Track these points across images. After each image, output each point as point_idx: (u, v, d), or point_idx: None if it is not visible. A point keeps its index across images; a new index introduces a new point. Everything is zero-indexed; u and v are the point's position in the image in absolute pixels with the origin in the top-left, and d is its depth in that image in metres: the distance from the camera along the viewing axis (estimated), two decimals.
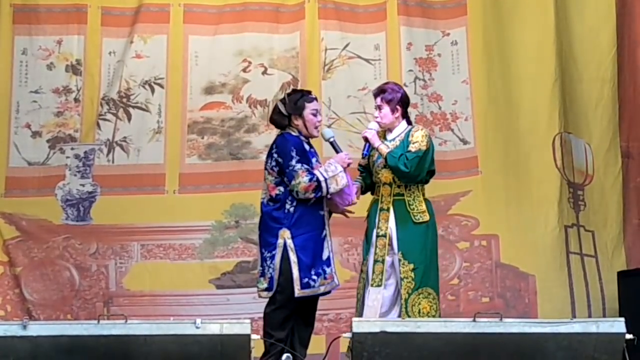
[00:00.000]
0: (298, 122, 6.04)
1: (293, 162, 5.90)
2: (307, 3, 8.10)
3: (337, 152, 6.08)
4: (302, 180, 5.86)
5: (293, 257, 5.90)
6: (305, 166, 5.90)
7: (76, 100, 7.98)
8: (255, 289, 6.07)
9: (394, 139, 6.07)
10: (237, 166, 7.90)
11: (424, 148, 5.96)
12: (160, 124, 8.01)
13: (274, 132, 6.29)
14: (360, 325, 5.01)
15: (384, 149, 5.99)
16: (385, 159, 5.96)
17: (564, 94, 7.97)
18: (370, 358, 4.97)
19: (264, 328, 5.85)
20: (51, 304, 7.67)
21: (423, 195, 6.05)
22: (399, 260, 5.91)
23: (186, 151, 8.01)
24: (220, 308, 7.60)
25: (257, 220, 6.18)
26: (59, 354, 4.85)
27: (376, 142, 6.03)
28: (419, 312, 5.84)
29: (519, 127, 7.95)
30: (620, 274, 7.41)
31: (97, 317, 5.26)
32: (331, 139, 6.14)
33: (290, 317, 5.89)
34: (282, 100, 6.12)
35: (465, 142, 8.03)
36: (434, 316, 5.86)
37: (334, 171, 5.95)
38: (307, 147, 6.04)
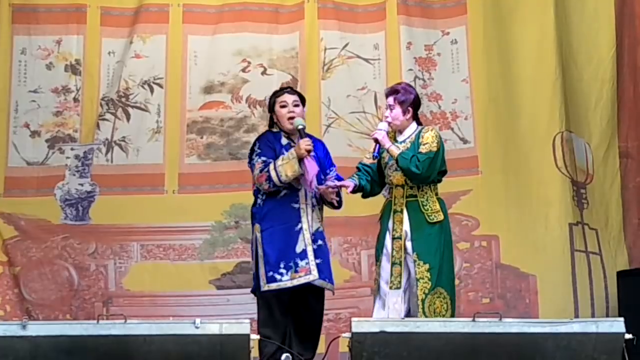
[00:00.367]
0: (275, 118, 6.16)
1: (254, 156, 6.03)
2: (307, 3, 8.10)
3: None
4: (256, 172, 5.97)
5: (260, 251, 5.95)
6: (263, 158, 5.97)
7: (75, 100, 7.98)
8: None
9: (404, 141, 6.05)
10: (237, 166, 7.89)
11: (434, 149, 5.95)
12: (159, 123, 8.01)
13: None
14: (360, 325, 5.00)
15: (395, 150, 5.97)
16: (397, 160, 5.94)
17: (565, 93, 7.97)
18: (369, 358, 4.96)
19: (258, 327, 5.87)
20: (50, 304, 7.66)
21: (436, 194, 6.04)
22: (414, 261, 5.91)
23: (185, 151, 8.01)
24: (220, 308, 7.60)
25: None
26: (58, 354, 4.84)
27: (387, 143, 6.00)
28: (434, 311, 5.85)
29: (519, 127, 7.94)
30: (620, 274, 7.41)
31: (96, 317, 5.27)
32: (299, 127, 6.09)
33: (272, 315, 5.86)
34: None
35: (465, 141, 8.03)
36: (444, 316, 5.86)
37: (288, 158, 5.94)
38: (285, 141, 6.09)
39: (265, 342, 5.72)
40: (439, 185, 6.10)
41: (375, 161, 6.14)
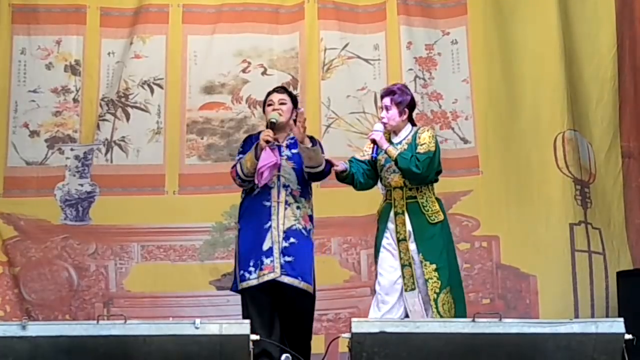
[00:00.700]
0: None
1: (237, 155, 6.09)
2: (307, 3, 8.10)
3: None
4: (231, 169, 6.04)
5: (235, 250, 6.01)
6: (240, 156, 6.03)
7: (75, 100, 7.98)
8: None
9: (400, 142, 6.05)
10: None
11: (433, 149, 5.96)
12: (159, 124, 8.01)
13: None
14: (360, 326, 4.99)
15: (393, 151, 5.96)
16: (396, 161, 5.93)
17: (566, 93, 7.96)
18: (369, 358, 4.95)
19: None
20: (49, 304, 7.66)
21: (434, 194, 6.05)
22: (421, 262, 5.92)
23: (186, 152, 8.01)
24: (220, 309, 7.59)
25: None
26: (58, 355, 4.83)
27: (384, 144, 5.99)
28: (449, 310, 5.88)
29: (520, 127, 7.94)
30: (620, 274, 7.40)
31: (95, 317, 5.27)
32: (271, 120, 6.09)
33: (250, 314, 5.85)
34: None
35: (465, 141, 8.03)
36: (451, 315, 5.88)
37: (251, 152, 5.98)
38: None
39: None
40: (436, 184, 6.10)
41: (369, 158, 6.10)
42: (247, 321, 4.98)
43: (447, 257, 5.97)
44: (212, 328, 4.89)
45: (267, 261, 5.92)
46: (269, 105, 6.18)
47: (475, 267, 7.85)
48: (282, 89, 6.36)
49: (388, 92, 6.11)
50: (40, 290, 7.68)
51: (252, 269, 5.93)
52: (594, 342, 5.00)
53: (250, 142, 6.13)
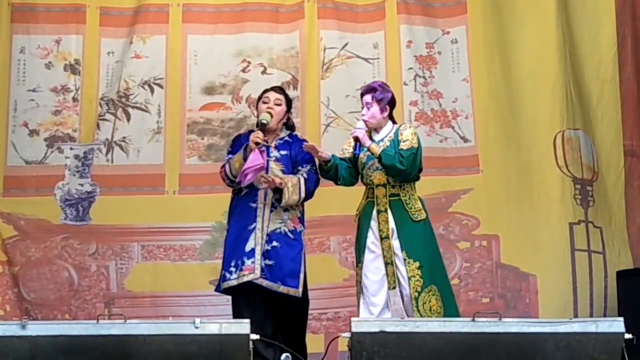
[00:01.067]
0: (257, 114, 6.21)
1: (226, 155, 6.06)
2: (307, 3, 8.10)
3: None
4: (221, 169, 6.02)
5: (223, 250, 5.98)
6: (230, 156, 6.01)
7: (74, 99, 7.98)
8: None
9: (382, 140, 6.04)
10: None
11: (415, 145, 5.96)
12: (159, 124, 8.01)
13: None
14: (359, 325, 4.99)
15: (376, 148, 5.95)
16: (379, 158, 5.92)
17: (570, 91, 7.96)
18: (369, 358, 4.95)
19: None
20: (49, 304, 7.66)
21: (416, 192, 6.05)
22: (404, 259, 5.90)
23: (186, 152, 8.00)
24: (220, 309, 7.58)
25: None
26: (58, 354, 4.83)
27: (367, 141, 5.99)
28: (430, 309, 5.85)
29: (520, 126, 7.94)
30: (620, 274, 7.39)
31: (96, 317, 5.26)
32: (262, 121, 6.08)
33: (235, 315, 5.86)
34: None
35: (465, 139, 8.03)
36: (439, 313, 5.86)
37: (240, 152, 5.97)
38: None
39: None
40: (417, 183, 6.09)
41: (350, 155, 6.11)
42: (247, 320, 4.97)
43: (431, 255, 5.95)
44: (212, 327, 4.89)
45: (248, 262, 5.91)
46: (264, 102, 6.17)
47: (475, 266, 7.85)
48: (279, 89, 6.36)
49: (369, 90, 6.11)
50: (40, 289, 7.68)
51: (232, 269, 5.94)
52: (593, 342, 5.00)
53: (239, 142, 6.12)
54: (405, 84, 7.98)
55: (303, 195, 6.01)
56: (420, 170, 6.09)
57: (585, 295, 7.70)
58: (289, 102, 6.26)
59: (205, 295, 7.69)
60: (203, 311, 7.43)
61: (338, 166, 6.08)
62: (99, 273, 7.78)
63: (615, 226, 7.93)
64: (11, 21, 7.99)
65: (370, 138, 6.06)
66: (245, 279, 5.90)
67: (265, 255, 5.95)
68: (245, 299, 5.94)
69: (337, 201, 7.34)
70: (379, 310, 5.93)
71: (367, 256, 6.00)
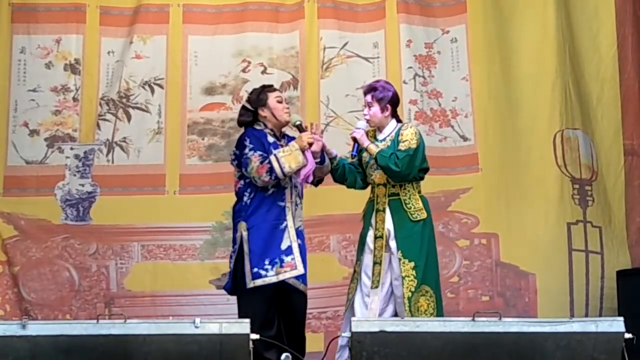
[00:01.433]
0: (265, 114, 6.12)
1: (247, 151, 5.96)
2: (307, 2, 8.10)
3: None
4: (254, 165, 5.89)
5: (246, 249, 5.92)
6: (259, 152, 5.92)
7: (74, 99, 7.98)
8: None
9: (384, 139, 6.04)
10: None
11: (414, 146, 5.93)
12: (160, 124, 8.01)
13: None
14: (360, 325, 5.00)
15: (374, 149, 5.96)
16: (376, 159, 5.93)
17: (569, 91, 7.96)
18: (369, 358, 4.96)
19: None
20: (49, 304, 7.66)
21: (419, 192, 6.03)
22: (399, 259, 5.89)
23: (186, 152, 8.00)
24: (220, 308, 7.59)
25: None
26: (58, 354, 4.83)
27: (365, 142, 6.00)
28: (418, 309, 5.84)
29: (519, 125, 7.95)
30: (620, 273, 7.40)
31: (96, 317, 5.26)
32: (297, 123, 6.11)
33: (255, 313, 5.84)
34: (247, 100, 6.24)
35: (465, 138, 8.04)
36: (431, 314, 5.85)
37: (290, 150, 5.95)
38: (271, 139, 6.07)
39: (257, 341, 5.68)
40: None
41: (355, 159, 6.12)
42: (247, 320, 4.97)
43: (427, 257, 5.92)
44: (212, 327, 4.89)
45: (287, 259, 5.92)
46: (280, 102, 6.16)
47: (475, 264, 7.86)
48: (277, 88, 6.38)
49: (370, 89, 6.10)
50: (41, 290, 7.68)
51: (268, 266, 5.90)
52: (593, 341, 5.00)
53: (257, 139, 6.03)
54: (405, 82, 7.98)
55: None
56: (424, 169, 6.07)
57: (582, 295, 7.71)
58: None
59: (206, 295, 7.70)
60: (203, 311, 7.43)
61: (345, 168, 6.11)
62: (99, 273, 7.78)
63: (615, 226, 7.93)
64: (11, 21, 7.99)
65: (375, 137, 6.07)
66: (288, 275, 5.91)
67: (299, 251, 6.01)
68: (266, 297, 5.92)
69: (336, 200, 7.36)
70: (381, 307, 5.93)
71: (366, 256, 6.01)
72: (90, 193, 7.87)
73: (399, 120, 6.15)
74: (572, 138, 7.95)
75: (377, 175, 6.03)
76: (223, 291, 7.52)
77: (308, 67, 8.06)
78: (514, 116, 7.96)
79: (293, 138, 6.12)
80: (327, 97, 8.03)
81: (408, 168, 5.90)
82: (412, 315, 5.78)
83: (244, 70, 8.07)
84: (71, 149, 7.91)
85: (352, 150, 6.06)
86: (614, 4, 8.08)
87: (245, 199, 6.02)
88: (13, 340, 4.82)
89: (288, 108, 6.17)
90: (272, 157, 5.90)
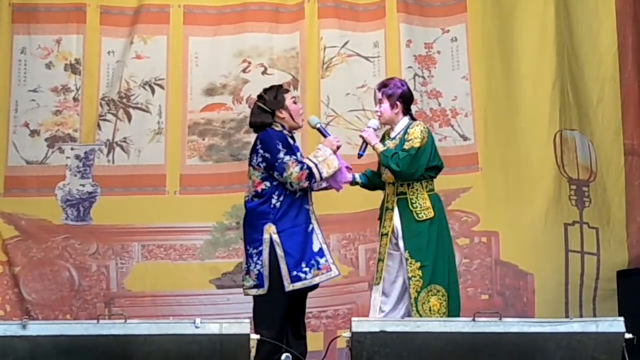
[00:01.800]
0: (283, 115, 6.10)
1: (281, 155, 5.93)
2: (307, 3, 8.10)
3: (325, 137, 6.12)
4: (293, 170, 5.88)
5: (280, 252, 5.90)
6: (294, 157, 5.94)
7: (75, 99, 7.98)
8: None
9: (395, 137, 6.05)
10: (238, 167, 7.87)
11: (417, 145, 5.89)
12: (160, 124, 8.01)
13: None
14: (360, 325, 5.00)
15: (379, 148, 5.96)
16: (380, 158, 5.95)
17: (567, 92, 7.97)
18: (369, 358, 4.96)
19: (255, 327, 5.77)
20: (50, 304, 7.67)
21: (429, 191, 5.98)
22: (406, 259, 5.89)
23: (187, 152, 8.01)
24: (220, 308, 7.60)
25: None
26: (58, 354, 4.84)
27: (372, 140, 6.01)
28: (430, 309, 5.82)
29: (519, 124, 7.96)
30: (620, 273, 7.41)
31: (96, 317, 5.27)
32: (317, 125, 6.15)
33: (284, 315, 5.88)
34: (261, 101, 6.15)
35: (465, 138, 8.05)
36: (444, 314, 5.83)
37: (324, 155, 5.97)
38: (291, 141, 6.07)
39: (264, 342, 5.69)
40: (438, 180, 6.07)
41: (361, 159, 6.14)
42: (247, 320, 4.98)
43: (435, 256, 5.88)
44: (212, 327, 4.90)
45: (322, 261, 5.96)
46: (295, 103, 6.17)
47: (475, 262, 7.87)
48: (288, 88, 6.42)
49: (381, 86, 6.11)
50: (41, 290, 7.68)
51: (306, 269, 5.92)
52: (594, 342, 5.00)
53: (285, 142, 6.02)
54: None
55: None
56: (434, 168, 6.02)
57: (576, 297, 7.72)
58: None
59: (206, 295, 7.71)
60: (203, 311, 7.44)
61: (369, 176, 6.21)
62: (99, 273, 7.78)
63: (614, 226, 7.93)
64: (12, 21, 7.98)
65: (388, 134, 6.08)
66: (325, 277, 5.98)
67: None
68: (288, 299, 5.94)
69: (336, 200, 7.34)
70: (389, 309, 5.94)
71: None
72: (90, 193, 7.87)
73: (413, 118, 6.13)
74: (570, 139, 7.96)
75: (387, 174, 6.04)
76: (223, 291, 7.55)
77: (308, 67, 8.07)
78: (513, 115, 7.97)
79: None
80: (327, 96, 8.04)
81: (410, 167, 5.88)
82: (420, 316, 5.76)
83: (244, 71, 8.08)
84: (72, 149, 7.91)
85: (359, 150, 6.06)
86: (614, 4, 8.08)
87: (273, 201, 5.99)
88: (13, 340, 4.82)
89: (302, 109, 6.21)
90: (309, 163, 5.94)
